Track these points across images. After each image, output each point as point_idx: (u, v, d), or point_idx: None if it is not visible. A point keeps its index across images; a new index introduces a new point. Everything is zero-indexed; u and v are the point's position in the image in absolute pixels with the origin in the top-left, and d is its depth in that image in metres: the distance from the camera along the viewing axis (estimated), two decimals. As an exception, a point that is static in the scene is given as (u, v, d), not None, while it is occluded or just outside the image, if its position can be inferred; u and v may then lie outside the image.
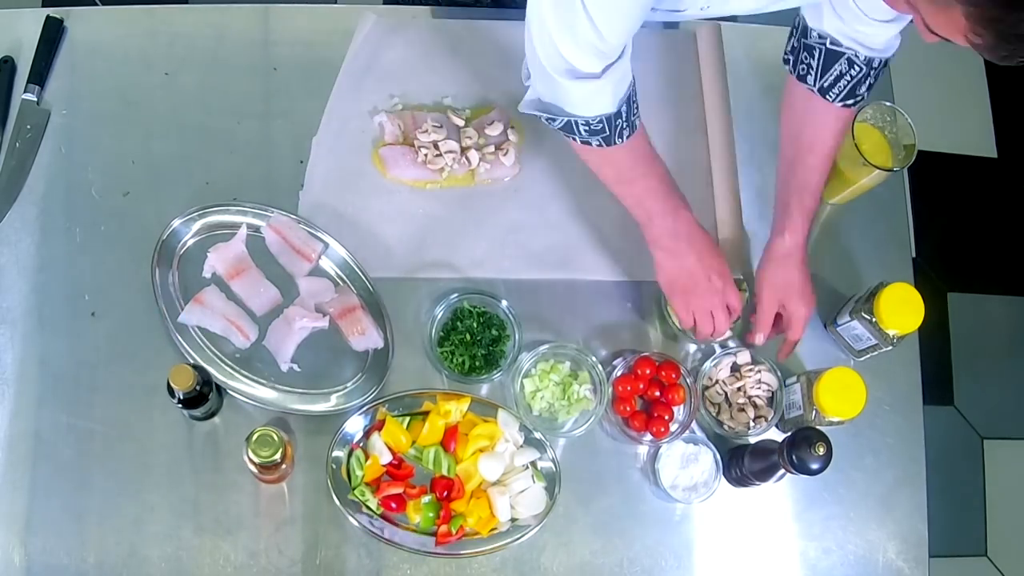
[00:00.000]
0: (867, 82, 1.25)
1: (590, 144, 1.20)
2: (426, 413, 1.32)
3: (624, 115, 1.17)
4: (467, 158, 1.44)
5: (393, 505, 1.29)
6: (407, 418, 1.32)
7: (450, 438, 1.31)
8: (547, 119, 1.18)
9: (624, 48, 1.11)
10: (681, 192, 1.30)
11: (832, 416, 1.29)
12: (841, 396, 1.28)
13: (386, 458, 1.30)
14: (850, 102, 1.27)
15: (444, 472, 1.30)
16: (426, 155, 1.42)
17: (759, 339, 1.37)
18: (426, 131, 1.43)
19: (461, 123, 1.45)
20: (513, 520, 1.30)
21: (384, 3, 1.56)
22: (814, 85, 1.27)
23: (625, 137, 1.20)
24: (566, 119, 1.16)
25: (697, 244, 1.30)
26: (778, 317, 1.36)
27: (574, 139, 1.20)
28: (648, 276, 1.37)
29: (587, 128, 1.16)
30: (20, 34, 1.43)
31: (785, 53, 1.31)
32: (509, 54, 1.51)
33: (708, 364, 1.38)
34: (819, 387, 1.28)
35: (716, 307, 1.31)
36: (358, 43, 1.49)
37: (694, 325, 1.34)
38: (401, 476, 1.30)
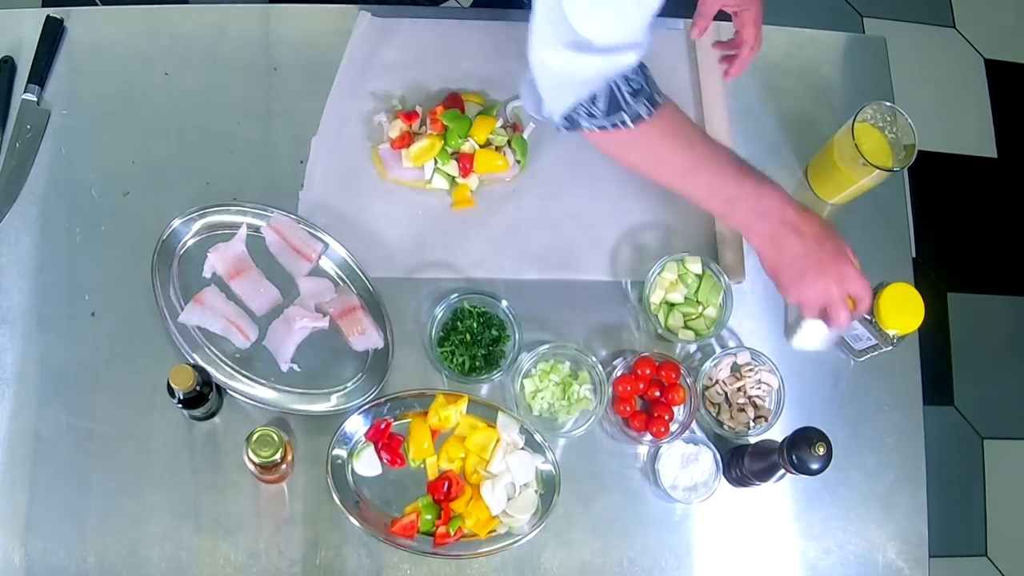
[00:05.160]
0: None
1: (639, 115, 1.08)
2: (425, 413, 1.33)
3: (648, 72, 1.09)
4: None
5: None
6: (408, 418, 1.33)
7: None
8: (587, 113, 1.07)
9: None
10: (756, 168, 1.16)
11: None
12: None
13: (375, 472, 1.30)
14: None
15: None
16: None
17: (695, 33, 1.40)
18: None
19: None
20: (507, 520, 1.30)
21: (379, 2, 1.56)
22: None
23: (663, 97, 1.10)
24: (607, 86, 1.05)
25: (797, 222, 1.13)
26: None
27: (619, 123, 1.08)
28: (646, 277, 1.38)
29: (629, 89, 1.06)
30: (20, 34, 1.43)
31: None
32: (507, 54, 1.51)
33: (708, 364, 1.38)
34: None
35: (833, 296, 1.15)
36: (354, 43, 1.49)
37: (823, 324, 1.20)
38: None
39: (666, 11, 1.38)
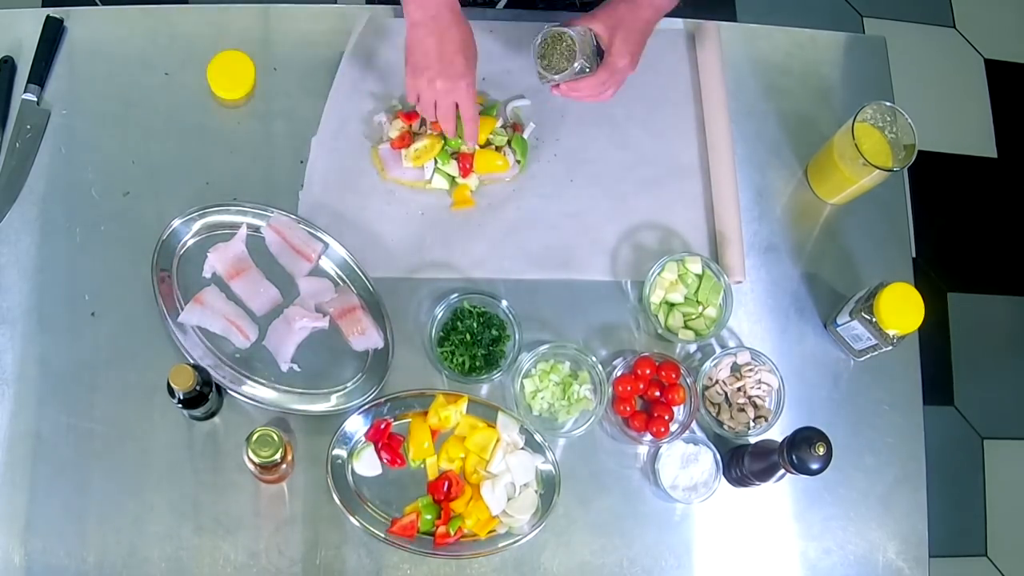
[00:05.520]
0: None
1: None
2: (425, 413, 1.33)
3: None
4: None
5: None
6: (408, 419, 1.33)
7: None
8: None
9: None
10: None
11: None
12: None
13: (375, 472, 1.30)
14: None
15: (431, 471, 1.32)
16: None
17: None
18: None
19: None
20: (507, 520, 1.30)
21: (378, 2, 1.56)
22: None
23: None
24: None
25: (445, 26, 1.24)
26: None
27: None
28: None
29: None
30: (20, 34, 1.43)
31: None
32: (508, 54, 1.51)
33: (708, 364, 1.38)
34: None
35: (438, 99, 1.27)
36: (354, 43, 1.49)
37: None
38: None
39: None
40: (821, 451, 1.18)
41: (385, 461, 1.31)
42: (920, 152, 1.39)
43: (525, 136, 1.47)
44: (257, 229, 1.38)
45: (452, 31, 1.25)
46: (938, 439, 1.95)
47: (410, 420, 1.33)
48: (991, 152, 2.72)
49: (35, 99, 1.41)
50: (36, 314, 1.33)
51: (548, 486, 1.32)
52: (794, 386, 1.40)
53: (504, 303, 1.36)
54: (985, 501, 2.42)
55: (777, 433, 1.33)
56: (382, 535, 1.27)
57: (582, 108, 1.50)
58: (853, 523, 1.38)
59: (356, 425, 1.31)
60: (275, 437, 1.16)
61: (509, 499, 1.31)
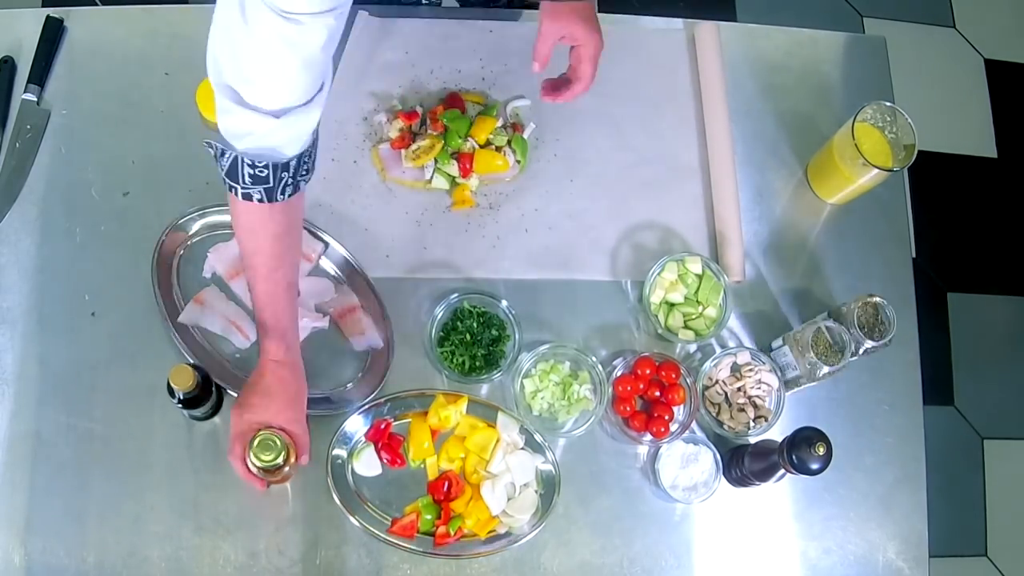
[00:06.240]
0: None
1: (251, 198, 1.08)
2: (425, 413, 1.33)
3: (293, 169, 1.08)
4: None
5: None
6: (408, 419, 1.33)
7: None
8: (217, 153, 1.07)
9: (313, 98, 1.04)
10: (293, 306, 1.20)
11: None
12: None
13: (375, 472, 1.30)
14: None
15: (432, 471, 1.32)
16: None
17: (535, 67, 1.28)
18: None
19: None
20: (507, 520, 1.30)
21: (378, 2, 1.56)
22: None
23: (288, 195, 1.10)
24: (232, 155, 1.05)
25: (266, 374, 1.18)
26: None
27: (234, 191, 1.08)
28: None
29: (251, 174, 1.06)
30: (20, 34, 1.43)
31: None
32: (507, 53, 1.51)
33: (708, 364, 1.38)
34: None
35: (242, 437, 1.17)
36: (353, 43, 1.49)
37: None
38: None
39: (666, 11, 1.39)
40: (821, 451, 1.18)
41: (385, 461, 1.31)
42: (920, 152, 1.39)
43: (525, 136, 1.47)
44: (257, 229, 1.38)
45: (301, 382, 1.21)
46: (938, 439, 1.95)
47: (410, 420, 1.33)
48: (991, 152, 2.72)
49: (35, 99, 1.41)
50: (36, 314, 1.33)
51: (548, 486, 1.32)
52: (794, 386, 1.40)
53: (504, 303, 1.36)
54: (985, 501, 2.42)
55: (777, 433, 1.33)
56: (382, 535, 1.27)
57: (582, 108, 1.50)
58: (853, 523, 1.38)
59: (356, 425, 1.31)
60: (277, 441, 1.14)
61: (509, 499, 1.31)
